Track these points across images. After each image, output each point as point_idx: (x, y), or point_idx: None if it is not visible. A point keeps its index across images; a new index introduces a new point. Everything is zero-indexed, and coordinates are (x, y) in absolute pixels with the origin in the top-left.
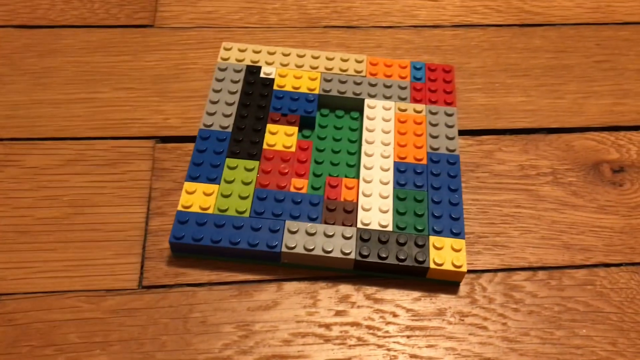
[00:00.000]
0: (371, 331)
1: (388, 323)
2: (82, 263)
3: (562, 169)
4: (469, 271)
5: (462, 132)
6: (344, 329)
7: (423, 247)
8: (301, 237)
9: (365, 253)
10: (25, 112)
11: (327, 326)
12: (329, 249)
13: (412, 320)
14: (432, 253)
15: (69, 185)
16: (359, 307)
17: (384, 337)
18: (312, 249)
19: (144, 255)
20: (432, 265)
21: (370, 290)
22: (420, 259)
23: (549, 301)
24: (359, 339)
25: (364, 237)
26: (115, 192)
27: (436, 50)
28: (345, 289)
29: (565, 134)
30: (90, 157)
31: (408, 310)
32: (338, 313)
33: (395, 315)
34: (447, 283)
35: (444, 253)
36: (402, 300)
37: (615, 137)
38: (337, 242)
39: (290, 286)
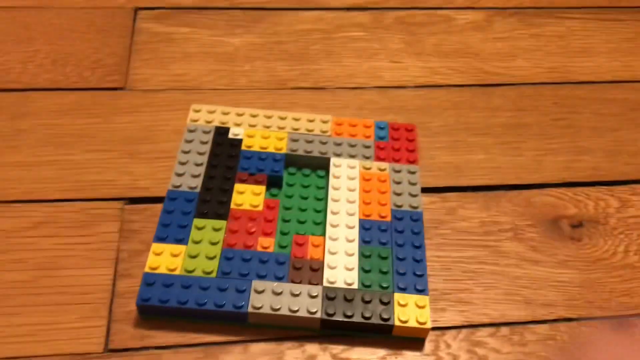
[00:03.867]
0: None
1: None
2: (48, 327)
3: (523, 224)
4: (434, 328)
5: (425, 190)
6: None
7: (388, 304)
8: (268, 297)
9: (331, 312)
10: None
11: None
12: (295, 308)
13: None
14: (397, 310)
15: (37, 247)
16: None
17: None
18: (279, 309)
19: (111, 318)
20: (397, 323)
21: (337, 349)
22: (385, 317)
23: (511, 357)
24: None
25: (330, 295)
26: (83, 254)
27: (400, 109)
28: (311, 348)
29: (525, 190)
30: (59, 220)
31: None
32: None
33: None
34: (412, 340)
35: (409, 310)
36: (368, 359)
37: (573, 192)
38: (304, 301)
39: (256, 347)
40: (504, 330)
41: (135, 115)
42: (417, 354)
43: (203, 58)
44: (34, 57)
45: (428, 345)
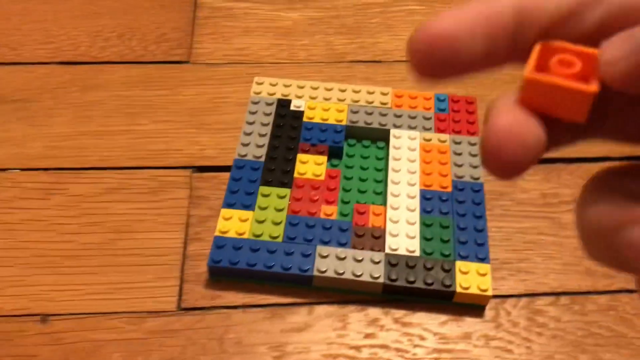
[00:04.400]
0: (399, 354)
1: (416, 346)
2: (124, 286)
3: None
4: (494, 296)
5: None
6: (373, 351)
7: (449, 271)
8: (332, 262)
9: (393, 277)
10: (70, 143)
11: (357, 348)
12: (359, 273)
13: (439, 343)
14: (459, 277)
15: (111, 212)
16: (387, 330)
17: (412, 359)
18: (343, 273)
19: (182, 278)
20: (458, 289)
21: (398, 314)
22: (447, 283)
23: (572, 326)
24: None
25: (392, 262)
26: (155, 219)
27: (459, 83)
28: (374, 312)
29: (586, 163)
30: (131, 186)
31: (435, 333)
32: (367, 336)
33: (422, 338)
34: (472, 306)
35: (470, 277)
36: (429, 324)
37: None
38: (366, 267)
39: (321, 309)
40: (564, 299)
41: (200, 87)
42: (478, 320)
43: (263, 32)
44: (101, 31)
45: (488, 313)
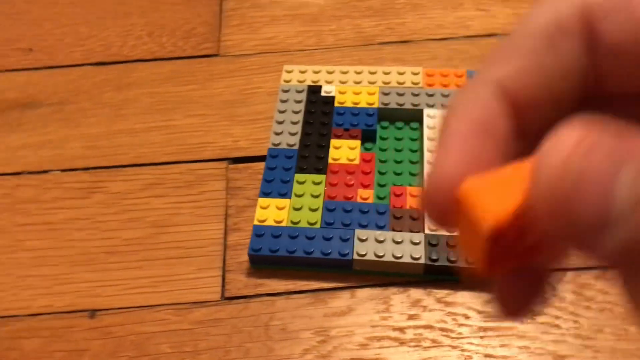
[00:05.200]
0: (445, 333)
1: (461, 325)
2: (168, 279)
3: None
4: None
5: None
6: (418, 332)
7: None
8: (371, 245)
9: (434, 257)
10: (107, 142)
11: (401, 329)
12: (399, 255)
13: (484, 321)
14: None
15: (150, 207)
16: (431, 310)
17: (458, 338)
18: (383, 256)
19: (224, 268)
20: None
21: (441, 294)
22: None
23: (620, 299)
24: (433, 340)
25: (433, 242)
26: (193, 212)
27: None
28: (416, 293)
29: None
30: (168, 180)
31: (479, 312)
32: (411, 317)
33: (467, 317)
34: None
35: None
36: (472, 303)
37: None
38: (406, 248)
39: (363, 292)
40: (611, 273)
41: (230, 80)
42: None
43: (290, 20)
44: (131, 30)
45: None
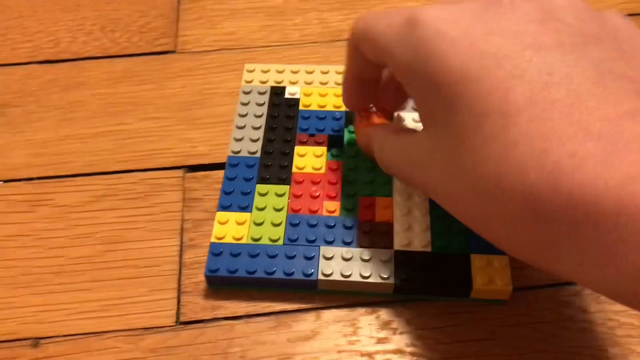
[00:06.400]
0: (416, 358)
1: (433, 349)
2: (119, 302)
3: None
4: (515, 288)
5: None
6: (387, 357)
7: (465, 266)
8: (337, 264)
9: (404, 276)
10: (54, 149)
11: (370, 355)
12: (367, 274)
13: (458, 344)
14: (475, 272)
15: (101, 221)
16: (401, 333)
17: None
18: (350, 275)
19: (180, 289)
20: (476, 285)
21: (412, 314)
22: (464, 279)
23: (600, 316)
24: None
25: (403, 259)
26: (147, 226)
27: None
28: (386, 314)
29: None
30: (120, 191)
31: (453, 334)
32: (380, 340)
33: (438, 341)
34: (491, 302)
35: (487, 271)
36: (447, 325)
37: None
38: (375, 267)
39: (329, 314)
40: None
41: (188, 79)
42: (498, 316)
43: (252, 14)
44: (82, 25)
45: (509, 307)
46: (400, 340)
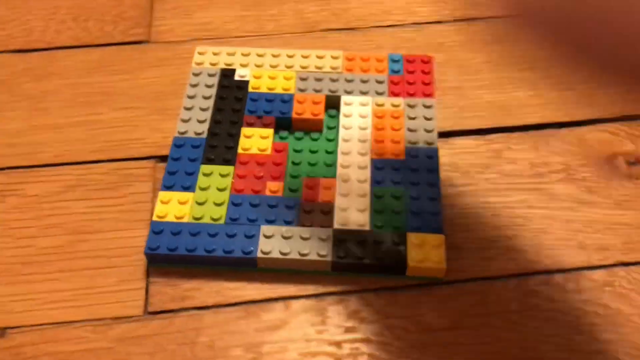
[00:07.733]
0: (383, 347)
1: (399, 338)
2: (87, 292)
3: (575, 164)
4: (482, 278)
5: (470, 132)
6: (354, 346)
7: (401, 244)
8: (277, 242)
9: (341, 254)
10: (25, 139)
11: (338, 344)
12: (305, 252)
13: (424, 333)
14: (411, 250)
15: (71, 212)
16: (369, 322)
17: (397, 352)
18: (288, 253)
19: (148, 280)
20: (411, 263)
21: (380, 304)
22: (398, 257)
23: (567, 306)
24: (370, 355)
25: (341, 238)
26: (117, 217)
27: (439, 46)
28: (354, 304)
29: (577, 127)
30: (91, 182)
31: (419, 322)
32: (348, 330)
33: (406, 330)
34: (427, 280)
35: (423, 249)
36: (413, 314)
37: (629, 127)
38: (314, 245)
39: (298, 304)
40: (558, 277)
41: (162, 69)
42: (466, 306)
43: (228, 4)
44: (55, 14)
45: (476, 296)
46: (368, 329)
